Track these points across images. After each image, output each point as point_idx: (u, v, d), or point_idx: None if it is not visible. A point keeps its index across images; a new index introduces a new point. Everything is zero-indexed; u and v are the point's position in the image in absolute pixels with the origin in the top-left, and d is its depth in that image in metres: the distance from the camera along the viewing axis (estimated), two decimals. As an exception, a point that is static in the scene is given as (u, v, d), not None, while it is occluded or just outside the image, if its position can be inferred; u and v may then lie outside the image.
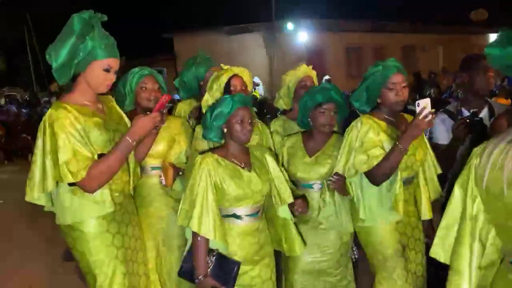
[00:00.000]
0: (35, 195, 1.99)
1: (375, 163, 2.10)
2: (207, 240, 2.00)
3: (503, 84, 10.46)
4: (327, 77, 11.25)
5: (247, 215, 2.08)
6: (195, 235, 2.00)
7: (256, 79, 9.82)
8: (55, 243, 4.44)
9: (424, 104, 1.98)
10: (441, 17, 18.29)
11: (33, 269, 4.02)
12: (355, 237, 2.56)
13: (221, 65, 2.55)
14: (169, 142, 2.51)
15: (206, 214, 1.96)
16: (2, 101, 18.42)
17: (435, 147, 2.43)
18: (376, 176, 2.13)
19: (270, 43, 13.78)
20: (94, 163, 1.91)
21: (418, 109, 2.00)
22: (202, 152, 2.18)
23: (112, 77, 2.01)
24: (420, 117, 1.99)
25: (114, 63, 1.99)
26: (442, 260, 1.42)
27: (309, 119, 2.39)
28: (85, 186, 1.92)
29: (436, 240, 1.43)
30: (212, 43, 11.73)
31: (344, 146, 2.23)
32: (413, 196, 2.31)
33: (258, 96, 9.40)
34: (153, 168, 2.50)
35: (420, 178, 2.30)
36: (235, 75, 2.46)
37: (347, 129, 2.27)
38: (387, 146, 2.14)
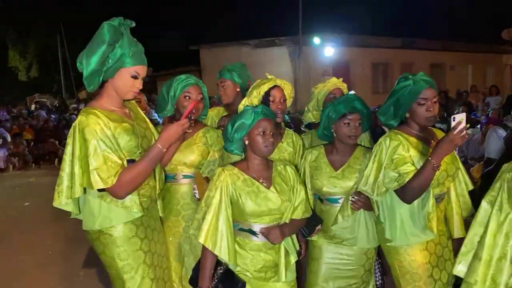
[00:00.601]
0: (62, 201, 1.99)
1: (407, 180, 2.02)
2: (214, 253, 1.97)
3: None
4: (352, 92, 11.14)
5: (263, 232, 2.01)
6: (204, 248, 1.97)
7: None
8: (77, 246, 4.53)
9: (459, 119, 1.91)
10: (471, 35, 18.00)
11: (54, 271, 4.04)
12: (380, 259, 2.46)
13: (266, 74, 2.53)
14: (203, 153, 2.48)
15: (215, 229, 1.94)
16: (33, 107, 19.05)
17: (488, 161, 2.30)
18: (407, 193, 2.04)
19: (295, 57, 13.80)
20: (124, 169, 1.92)
21: (453, 124, 1.92)
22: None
23: (139, 84, 2.02)
24: (455, 131, 1.91)
25: (142, 70, 2.00)
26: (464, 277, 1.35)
27: (332, 131, 2.33)
28: (115, 192, 1.92)
29: (459, 257, 1.37)
30: (238, 56, 11.82)
31: (373, 163, 2.14)
32: (444, 214, 2.21)
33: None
34: (185, 177, 2.47)
35: (451, 194, 2.22)
36: (276, 86, 2.44)
37: (375, 146, 2.19)
38: (418, 162, 2.06)
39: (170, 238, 2.43)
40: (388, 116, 2.19)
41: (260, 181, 2.03)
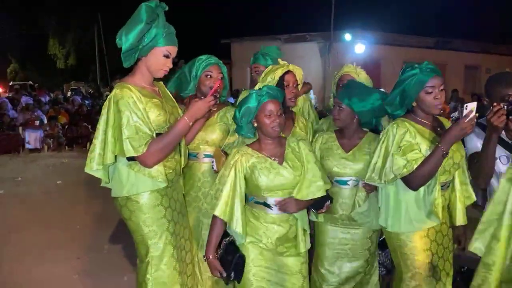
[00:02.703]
0: (93, 166, 2.13)
1: (415, 166, 2.04)
2: (222, 226, 2.08)
3: None
4: (381, 90, 11.00)
5: (276, 206, 2.10)
6: (214, 219, 2.08)
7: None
8: (104, 224, 4.80)
9: (471, 107, 1.92)
10: (509, 38, 17.36)
11: (82, 244, 4.28)
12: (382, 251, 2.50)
13: (279, 60, 2.61)
14: (224, 132, 2.59)
15: (232, 204, 2.04)
16: (69, 93, 19.75)
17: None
18: (415, 180, 2.06)
19: (325, 53, 13.73)
20: (154, 140, 2.06)
21: (465, 112, 1.94)
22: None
23: (170, 64, 2.15)
24: (467, 119, 1.93)
25: (173, 50, 2.14)
26: (481, 255, 1.37)
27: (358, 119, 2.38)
28: (144, 160, 2.06)
29: (476, 235, 1.39)
30: (268, 50, 11.81)
31: (380, 150, 2.16)
32: (447, 202, 2.23)
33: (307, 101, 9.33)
34: (206, 156, 2.58)
35: (456, 182, 2.24)
36: (289, 71, 2.54)
37: (382, 133, 2.21)
38: (425, 149, 2.08)
39: (189, 211, 2.54)
40: (394, 106, 2.18)
41: (273, 158, 2.12)
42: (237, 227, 2.05)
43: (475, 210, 2.47)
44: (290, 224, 2.15)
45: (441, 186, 2.13)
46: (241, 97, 2.84)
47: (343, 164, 2.36)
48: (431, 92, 2.07)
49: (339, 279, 2.42)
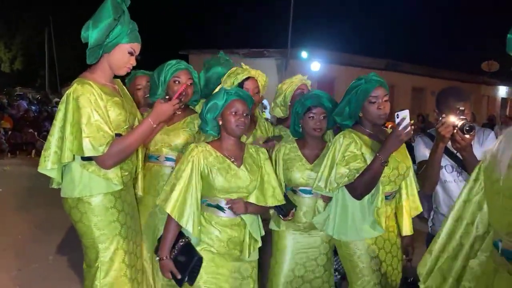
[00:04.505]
0: (48, 165, 2.02)
1: (356, 176, 2.10)
2: (177, 226, 2.02)
3: None
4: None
5: (229, 209, 2.07)
6: (169, 218, 2.01)
7: (265, 102, 9.92)
8: (48, 233, 4.55)
9: (403, 116, 1.99)
10: (453, 64, 18.60)
11: (24, 254, 4.00)
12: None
13: (242, 63, 2.60)
14: (188, 138, 2.55)
15: (183, 201, 1.98)
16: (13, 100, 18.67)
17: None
18: (357, 189, 2.11)
19: (282, 69, 14.00)
20: (115, 140, 1.98)
21: (397, 120, 2.01)
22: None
23: (133, 61, 2.11)
24: (400, 128, 2.00)
25: (137, 47, 2.11)
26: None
27: (300, 126, 2.41)
28: (104, 161, 1.97)
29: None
30: (226, 63, 11.85)
31: (327, 159, 2.21)
32: (394, 212, 2.30)
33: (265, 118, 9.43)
34: (168, 159, 2.52)
35: (402, 193, 2.30)
36: (251, 78, 2.53)
37: (330, 144, 2.28)
38: (369, 159, 2.12)
39: (145, 215, 2.47)
40: (343, 116, 2.22)
41: (232, 159, 2.10)
42: (187, 225, 1.97)
43: (421, 223, 2.56)
44: (242, 228, 2.12)
45: (387, 196, 2.19)
46: None
47: (307, 175, 2.37)
48: (374, 102, 2.12)
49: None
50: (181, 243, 2.04)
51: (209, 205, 2.08)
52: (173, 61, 2.54)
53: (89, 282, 2.09)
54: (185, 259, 2.02)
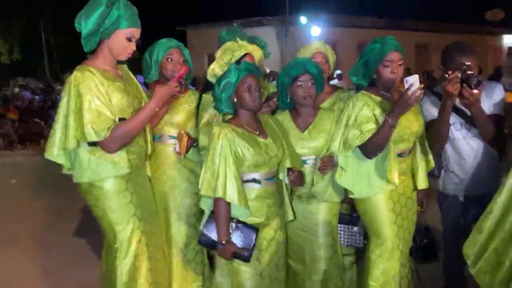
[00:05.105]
0: (54, 151, 2.06)
1: (368, 137, 2.14)
2: (229, 208, 2.06)
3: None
4: (338, 71, 11.19)
5: (265, 179, 2.14)
6: (218, 203, 2.05)
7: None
8: (64, 219, 4.66)
9: (412, 81, 2.00)
10: (456, 17, 18.12)
11: (44, 240, 4.12)
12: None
13: (238, 39, 2.55)
14: (188, 114, 2.55)
15: (229, 182, 2.02)
16: (16, 90, 18.69)
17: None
18: (368, 149, 2.18)
19: (282, 37, 13.79)
20: (117, 125, 2.01)
21: (406, 86, 2.02)
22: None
23: (133, 46, 2.09)
24: (409, 93, 2.01)
25: (136, 32, 2.08)
26: None
27: (288, 97, 2.38)
28: (106, 146, 2.00)
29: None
30: (225, 36, 11.66)
31: (341, 122, 2.25)
32: (410, 168, 2.34)
33: (273, 89, 9.36)
34: (171, 137, 2.54)
35: (417, 150, 2.33)
36: (248, 54, 2.47)
37: (345, 105, 2.30)
38: (382, 120, 2.16)
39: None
40: (358, 76, 2.27)
41: (257, 133, 2.13)
42: (242, 203, 2.03)
43: (433, 180, 2.58)
44: (275, 195, 2.20)
45: (401, 154, 2.23)
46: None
47: (300, 144, 2.36)
48: (388, 66, 2.14)
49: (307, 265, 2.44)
50: (234, 224, 2.08)
51: (246, 181, 2.12)
52: (164, 40, 2.51)
53: (110, 263, 2.15)
54: (243, 236, 2.07)
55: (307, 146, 2.37)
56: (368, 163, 2.24)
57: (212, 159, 2.05)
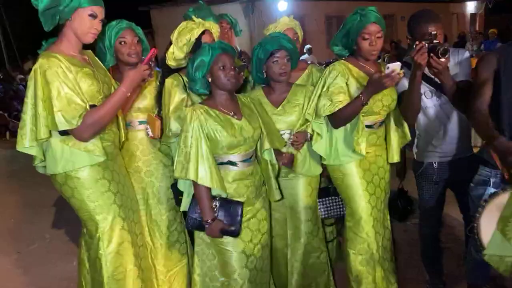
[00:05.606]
0: (26, 143, 1.99)
1: (337, 108, 2.19)
2: (207, 188, 2.05)
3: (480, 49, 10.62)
4: (308, 46, 11.18)
5: (241, 161, 2.12)
6: (195, 185, 2.05)
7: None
8: (39, 212, 4.54)
9: (393, 68, 2.03)
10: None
11: (20, 236, 4.03)
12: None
13: (193, 17, 2.46)
14: (155, 97, 2.50)
15: (201, 164, 2.01)
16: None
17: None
18: (335, 120, 2.25)
19: (249, 13, 13.58)
20: (88, 112, 1.95)
21: (387, 71, 2.04)
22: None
23: (97, 25, 2.01)
24: (387, 78, 2.03)
25: (99, 10, 2.00)
26: None
27: (264, 72, 2.35)
28: (79, 133, 1.95)
29: None
30: (191, 14, 11.37)
31: (316, 89, 2.30)
32: (383, 139, 2.41)
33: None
34: (141, 123, 2.50)
35: (390, 123, 2.39)
36: (206, 31, 2.40)
37: (322, 73, 2.33)
38: (355, 90, 2.22)
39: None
40: (339, 47, 2.32)
41: (231, 114, 2.10)
42: (215, 185, 2.02)
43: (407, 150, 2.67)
44: (255, 175, 2.20)
45: (372, 125, 2.30)
46: None
47: (275, 119, 2.36)
48: (367, 39, 2.18)
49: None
50: (218, 202, 2.08)
51: (221, 163, 2.10)
52: (114, 22, 2.41)
53: (93, 252, 2.13)
54: (229, 212, 2.07)
55: (282, 120, 2.37)
56: (337, 132, 2.31)
57: (185, 142, 2.03)
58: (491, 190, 1.96)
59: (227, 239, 2.11)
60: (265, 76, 2.36)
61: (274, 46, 2.29)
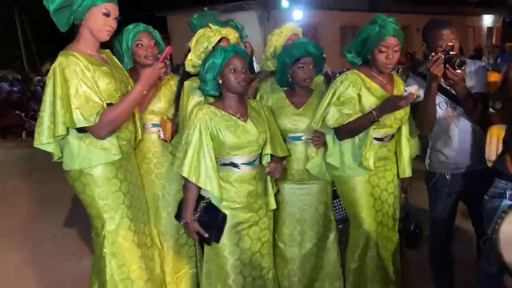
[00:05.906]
0: (43, 139, 2.03)
1: (346, 122, 2.15)
2: (197, 188, 2.06)
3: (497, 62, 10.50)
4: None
5: (244, 164, 2.12)
6: (186, 182, 2.07)
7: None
8: (52, 210, 4.60)
9: (411, 90, 2.04)
10: (436, -2, 18.21)
11: (33, 233, 4.08)
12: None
13: (210, 24, 2.50)
14: (170, 100, 2.53)
15: (198, 162, 2.02)
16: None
17: None
18: (341, 132, 2.22)
19: (264, 21, 13.67)
20: (106, 109, 1.98)
21: (405, 94, 2.05)
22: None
23: (112, 23, 2.04)
24: (404, 100, 2.04)
25: (112, 7, 2.03)
26: None
27: (288, 76, 2.38)
28: (97, 131, 1.98)
29: None
30: (207, 21, 11.47)
31: (326, 98, 2.25)
32: (393, 152, 2.36)
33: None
34: (154, 125, 2.53)
35: (402, 135, 2.34)
36: (223, 38, 2.42)
37: (334, 81, 2.30)
38: (366, 102, 2.18)
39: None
40: (353, 54, 2.26)
41: (237, 116, 2.11)
42: (206, 185, 2.03)
43: (419, 161, 2.63)
44: (258, 181, 2.18)
45: (382, 138, 2.26)
46: None
47: (295, 120, 2.40)
48: (384, 51, 2.13)
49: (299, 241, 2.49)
50: (203, 204, 2.09)
51: (224, 164, 2.11)
52: (131, 26, 2.47)
53: (98, 251, 2.15)
54: (209, 218, 2.07)
55: (302, 121, 2.39)
56: (345, 144, 2.26)
57: (186, 138, 2.06)
58: (508, 202, 1.93)
59: (224, 245, 2.11)
60: (289, 80, 2.39)
61: (301, 51, 2.30)
